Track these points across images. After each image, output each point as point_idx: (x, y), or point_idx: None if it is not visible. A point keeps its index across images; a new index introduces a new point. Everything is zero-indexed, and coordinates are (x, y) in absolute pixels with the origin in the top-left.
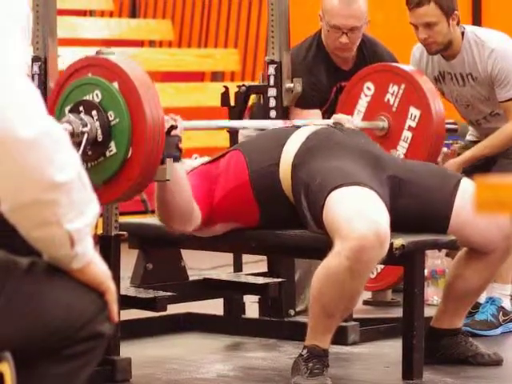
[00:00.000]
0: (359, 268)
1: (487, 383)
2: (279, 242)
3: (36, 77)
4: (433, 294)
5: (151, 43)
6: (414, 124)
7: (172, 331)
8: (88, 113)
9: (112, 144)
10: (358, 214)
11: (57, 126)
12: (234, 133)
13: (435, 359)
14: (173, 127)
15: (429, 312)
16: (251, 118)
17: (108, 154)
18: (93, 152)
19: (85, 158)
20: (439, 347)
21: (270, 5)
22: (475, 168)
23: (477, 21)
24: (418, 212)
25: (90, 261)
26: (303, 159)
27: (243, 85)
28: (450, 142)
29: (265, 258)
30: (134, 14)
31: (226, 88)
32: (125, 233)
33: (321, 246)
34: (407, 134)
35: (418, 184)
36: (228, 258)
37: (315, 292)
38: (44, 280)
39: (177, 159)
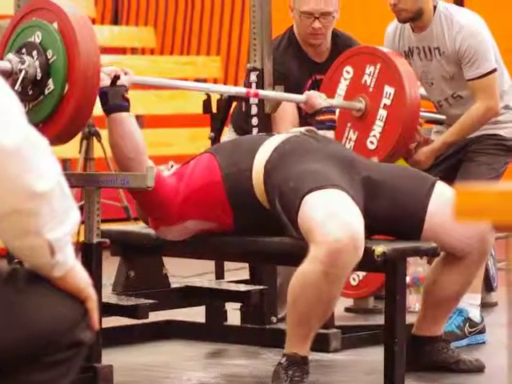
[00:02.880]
0: (335, 272)
1: None
2: (260, 249)
3: None
4: (415, 302)
5: (133, 50)
6: (388, 102)
7: (154, 339)
8: (29, 53)
9: (50, 81)
10: (331, 217)
11: (37, 136)
12: (216, 141)
13: (417, 366)
14: (116, 77)
15: (411, 319)
16: (232, 123)
17: (47, 91)
18: (33, 91)
19: (26, 98)
20: (421, 355)
21: (252, 12)
22: (442, 171)
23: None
24: (392, 214)
25: (71, 269)
26: (276, 164)
27: None
28: None
29: (246, 265)
30: (116, 21)
31: (208, 95)
32: (107, 240)
33: (302, 253)
34: (382, 113)
35: (392, 186)
36: (210, 265)
37: (292, 298)
38: (25, 288)
39: (124, 109)
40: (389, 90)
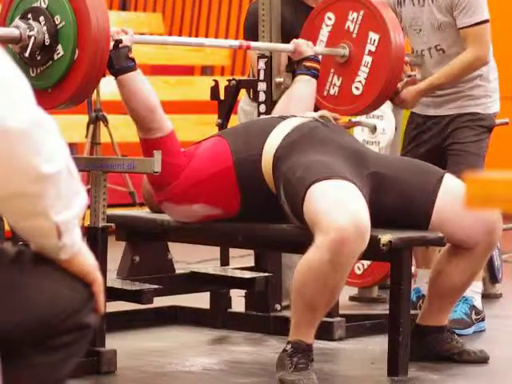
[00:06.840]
0: (340, 260)
1: (473, 381)
2: (267, 235)
3: None
4: None
5: None
6: (373, 48)
7: (158, 324)
8: (36, 19)
9: (59, 47)
10: (337, 206)
11: (47, 117)
12: (223, 128)
13: (421, 356)
14: (117, 41)
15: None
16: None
17: (56, 56)
18: (42, 57)
19: (34, 64)
20: (425, 344)
21: (261, 0)
22: (422, 154)
23: None
24: (400, 208)
25: (78, 252)
26: (285, 153)
27: (233, 79)
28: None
29: (252, 252)
30: (124, 7)
31: (216, 82)
32: (112, 225)
33: (308, 241)
34: (367, 59)
35: (400, 180)
36: (215, 251)
37: (297, 286)
38: (31, 269)
39: (130, 69)
40: (373, 36)
